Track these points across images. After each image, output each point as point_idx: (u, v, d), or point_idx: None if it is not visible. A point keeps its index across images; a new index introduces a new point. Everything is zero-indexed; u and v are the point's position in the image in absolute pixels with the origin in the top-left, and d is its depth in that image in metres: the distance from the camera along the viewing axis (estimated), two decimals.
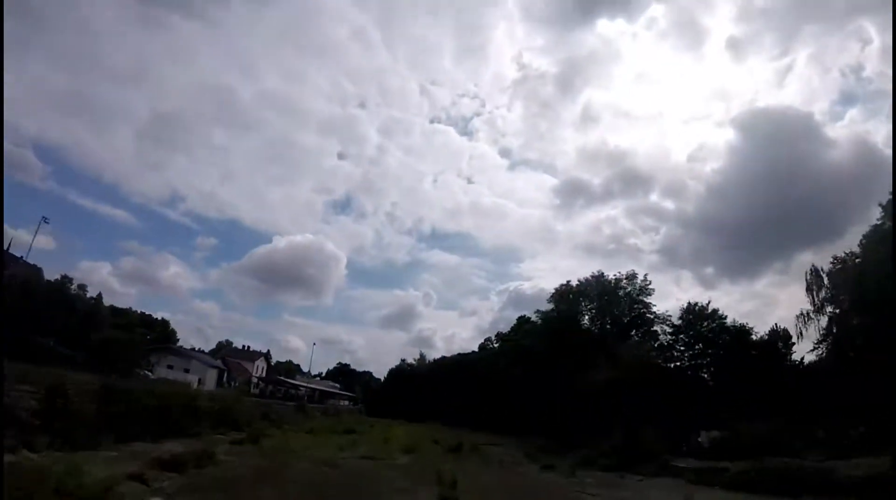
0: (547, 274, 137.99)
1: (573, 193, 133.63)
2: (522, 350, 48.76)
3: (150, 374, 39.07)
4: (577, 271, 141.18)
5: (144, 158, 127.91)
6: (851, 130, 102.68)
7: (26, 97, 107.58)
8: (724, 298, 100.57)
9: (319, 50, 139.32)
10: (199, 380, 42.95)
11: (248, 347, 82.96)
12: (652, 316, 38.11)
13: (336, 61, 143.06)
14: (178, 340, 73.62)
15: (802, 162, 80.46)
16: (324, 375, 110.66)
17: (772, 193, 75.89)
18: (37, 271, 54.00)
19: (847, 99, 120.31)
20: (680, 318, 37.56)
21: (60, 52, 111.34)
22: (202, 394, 19.17)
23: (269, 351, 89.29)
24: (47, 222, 44.12)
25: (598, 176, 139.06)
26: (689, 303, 37.98)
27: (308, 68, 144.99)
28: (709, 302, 37.32)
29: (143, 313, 77.37)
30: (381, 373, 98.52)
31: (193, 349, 73.30)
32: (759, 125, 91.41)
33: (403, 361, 78.32)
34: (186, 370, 44.43)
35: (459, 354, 67.53)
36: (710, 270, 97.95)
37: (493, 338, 64.22)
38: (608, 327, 38.06)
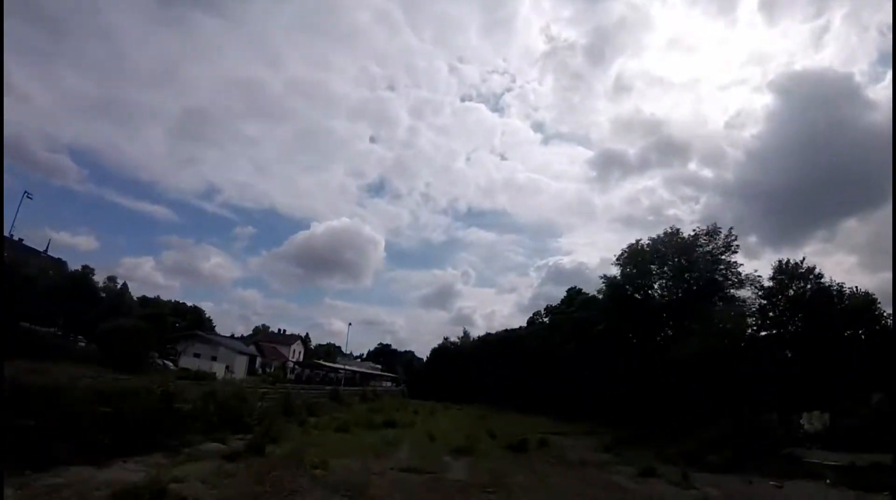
0: (586, 248, 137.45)
1: (609, 165, 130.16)
2: (579, 323, 43.63)
3: (170, 364, 36.00)
4: (616, 244, 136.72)
5: (178, 154, 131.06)
6: (893, 91, 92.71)
7: (59, 105, 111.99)
8: (768, 267, 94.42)
9: (343, 35, 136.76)
10: (227, 367, 39.80)
11: (284, 330, 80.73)
12: (735, 279, 31.85)
13: (361, 45, 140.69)
14: (213, 327, 71.94)
15: (843, 125, 75.91)
16: (364, 356, 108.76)
17: (813, 159, 73.46)
18: (60, 263, 52.33)
19: (887, 59, 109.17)
20: (771, 278, 31.30)
21: (88, 60, 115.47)
22: (192, 389, 14.77)
23: (307, 334, 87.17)
24: (31, 198, 41.32)
25: (633, 146, 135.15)
26: (779, 262, 31.70)
27: (333, 55, 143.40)
28: (803, 259, 30.90)
29: (177, 301, 76.23)
30: (422, 352, 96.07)
31: (233, 336, 71.44)
32: (798, 89, 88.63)
33: (446, 339, 74.50)
34: (214, 358, 41.38)
35: (506, 330, 62.83)
36: (752, 238, 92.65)
37: (543, 312, 59.00)
38: (684, 291, 32.08)
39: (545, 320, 56.64)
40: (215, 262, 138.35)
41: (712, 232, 32.72)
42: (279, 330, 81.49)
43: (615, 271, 34.34)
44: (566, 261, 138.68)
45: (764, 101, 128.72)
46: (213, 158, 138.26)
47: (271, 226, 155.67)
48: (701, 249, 32.26)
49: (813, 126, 78.19)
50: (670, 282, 32.48)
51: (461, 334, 75.38)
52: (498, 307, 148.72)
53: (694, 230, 33.14)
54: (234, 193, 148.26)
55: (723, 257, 32.12)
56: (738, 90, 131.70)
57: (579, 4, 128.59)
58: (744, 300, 31.57)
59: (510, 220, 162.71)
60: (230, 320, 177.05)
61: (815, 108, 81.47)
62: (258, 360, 55.85)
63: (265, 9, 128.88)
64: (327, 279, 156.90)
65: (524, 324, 63.62)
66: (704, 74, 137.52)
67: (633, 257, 33.16)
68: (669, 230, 33.72)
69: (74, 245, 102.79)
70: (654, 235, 34.19)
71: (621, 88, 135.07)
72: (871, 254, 69.58)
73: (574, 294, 55.33)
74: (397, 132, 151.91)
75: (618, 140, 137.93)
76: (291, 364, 62.82)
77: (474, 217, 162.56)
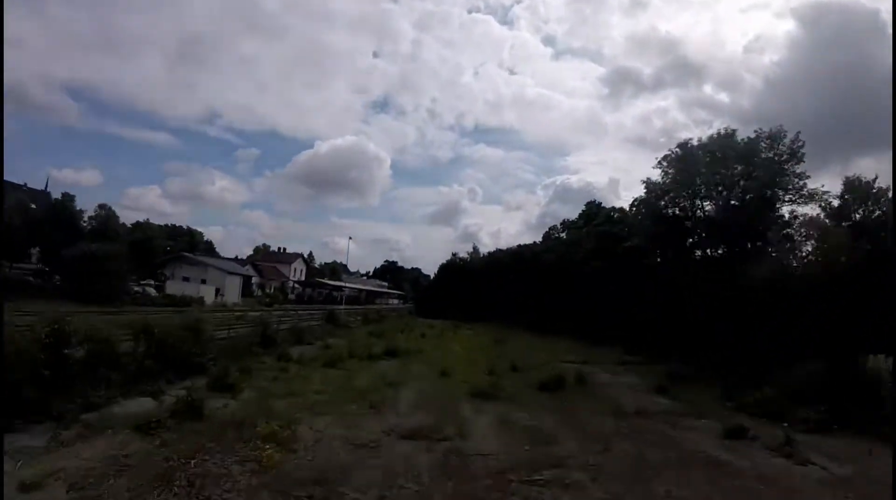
0: (594, 167, 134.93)
1: (621, 83, 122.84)
2: (603, 237, 39.57)
3: (152, 290, 32.52)
4: (626, 164, 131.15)
5: (176, 80, 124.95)
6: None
7: (52, 44, 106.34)
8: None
9: None
10: (217, 290, 36.33)
11: (285, 249, 77.02)
12: (798, 194, 26.49)
13: None
14: (213, 249, 68.58)
15: (865, 61, 68.59)
16: (371, 274, 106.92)
17: (832, 92, 71.36)
18: (44, 195, 48.14)
19: None
20: (839, 197, 25.91)
21: None
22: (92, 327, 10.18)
23: (310, 253, 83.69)
24: None
25: (648, 65, 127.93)
26: (846, 178, 26.03)
27: None
28: (875, 178, 24.97)
29: (172, 224, 72.66)
30: (429, 270, 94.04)
31: (237, 259, 68.10)
32: (821, 18, 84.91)
33: (455, 255, 70.97)
34: (204, 281, 37.82)
35: (519, 245, 59.22)
36: None
37: (559, 227, 54.80)
38: (736, 206, 26.98)
39: (562, 235, 52.58)
40: (220, 185, 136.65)
41: (775, 136, 26.82)
42: (279, 249, 77.89)
43: (655, 176, 29.03)
44: (574, 180, 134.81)
45: (786, 27, 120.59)
46: (212, 82, 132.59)
47: (275, 147, 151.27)
48: (761, 155, 26.77)
49: (834, 58, 74.43)
50: (723, 192, 27.40)
51: (470, 250, 71.98)
52: (504, 225, 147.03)
53: (755, 131, 27.25)
54: (235, 115, 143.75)
55: (786, 166, 26.70)
56: (760, 14, 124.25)
57: None
58: (808, 220, 26.61)
59: (518, 137, 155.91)
60: (239, 243, 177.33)
61: (837, 40, 77.84)
62: (254, 280, 52.70)
63: None
64: (333, 198, 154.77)
65: (531, 241, 60.05)
66: None
67: (682, 159, 27.74)
68: (724, 132, 27.99)
69: (79, 181, 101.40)
70: (702, 138, 28.43)
71: (637, 3, 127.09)
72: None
73: (593, 209, 50.85)
74: (401, 46, 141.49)
75: (632, 57, 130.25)
76: (292, 284, 60.04)
77: (481, 134, 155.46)
